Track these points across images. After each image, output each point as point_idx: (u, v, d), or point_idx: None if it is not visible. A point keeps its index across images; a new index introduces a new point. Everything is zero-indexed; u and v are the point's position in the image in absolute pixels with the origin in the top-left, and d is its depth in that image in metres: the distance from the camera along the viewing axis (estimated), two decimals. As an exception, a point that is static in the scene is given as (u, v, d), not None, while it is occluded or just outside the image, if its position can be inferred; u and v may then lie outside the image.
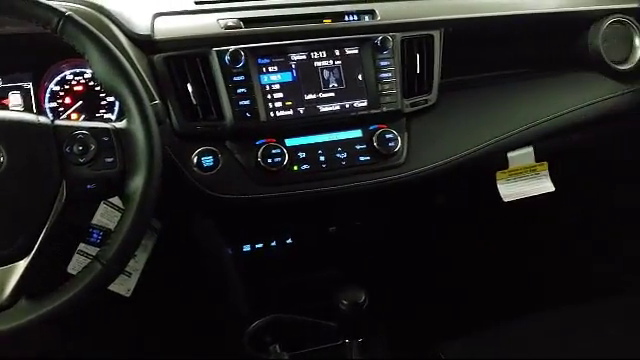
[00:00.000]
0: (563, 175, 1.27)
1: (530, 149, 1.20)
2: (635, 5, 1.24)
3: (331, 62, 1.04)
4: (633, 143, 1.35)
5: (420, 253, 1.55)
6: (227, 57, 0.96)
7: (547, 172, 1.25)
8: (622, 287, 1.14)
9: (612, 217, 1.55)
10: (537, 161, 1.22)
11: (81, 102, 1.06)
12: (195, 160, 0.96)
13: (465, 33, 1.15)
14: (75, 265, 1.05)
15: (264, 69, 1.00)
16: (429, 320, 1.37)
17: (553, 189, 1.24)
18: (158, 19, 1.00)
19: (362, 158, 1.04)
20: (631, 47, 1.23)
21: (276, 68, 1.01)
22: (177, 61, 0.97)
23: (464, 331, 1.06)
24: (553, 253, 1.56)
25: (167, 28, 0.99)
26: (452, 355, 1.01)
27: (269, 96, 1.00)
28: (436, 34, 1.10)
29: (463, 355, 1.01)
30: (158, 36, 0.97)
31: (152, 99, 0.86)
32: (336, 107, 1.04)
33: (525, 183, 1.24)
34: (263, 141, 0.99)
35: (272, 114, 1.00)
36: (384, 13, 1.09)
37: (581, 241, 1.56)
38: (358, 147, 1.05)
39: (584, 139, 1.25)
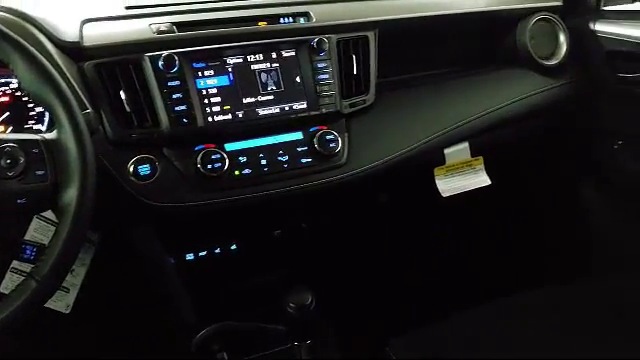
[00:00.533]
0: (499, 169, 1.31)
1: (465, 144, 1.23)
2: (559, 3, 1.30)
3: (268, 65, 1.04)
4: (560, 137, 1.41)
5: (366, 251, 1.57)
6: (161, 62, 0.95)
7: (483, 166, 1.29)
8: (560, 278, 1.19)
9: (546, 210, 1.61)
10: (473, 156, 1.25)
11: (8, 113, 1.01)
12: (131, 169, 0.94)
13: (399, 33, 1.17)
14: (8, 284, 0.99)
15: (200, 73, 0.99)
16: (378, 318, 1.38)
17: (489, 182, 1.28)
18: (87, 25, 0.97)
19: (304, 160, 1.04)
20: (556, 43, 1.28)
21: (212, 72, 1.00)
22: (109, 68, 0.94)
23: (412, 328, 1.08)
24: (493, 246, 1.61)
25: (97, 34, 0.96)
26: (401, 352, 1.02)
27: (206, 100, 0.99)
28: (371, 35, 1.11)
29: (411, 351, 1.02)
30: (87, 43, 0.94)
31: (83, 108, 0.84)
32: (275, 110, 1.03)
33: (462, 178, 1.27)
34: (202, 147, 0.98)
35: (210, 119, 0.99)
36: (319, 15, 1.09)
37: (518, 234, 1.61)
38: (299, 149, 1.05)
39: (517, 133, 1.29)
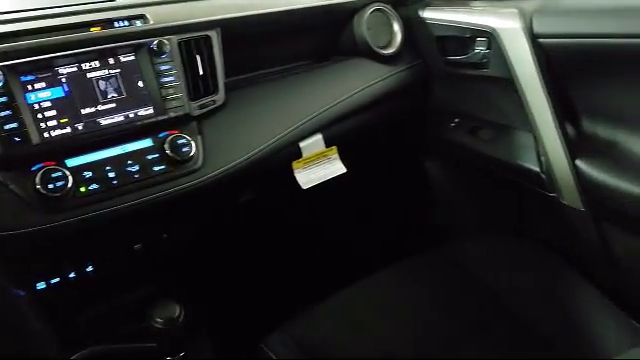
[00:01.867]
0: (353, 156, 1.36)
1: (319, 136, 1.26)
2: (390, -6, 1.37)
3: (106, 71, 0.98)
4: (404, 120, 1.49)
5: (233, 252, 1.56)
6: None
7: (337, 155, 1.33)
8: (418, 249, 1.26)
9: (398, 190, 1.71)
10: (327, 146, 1.29)
11: None
12: None
13: (242, 31, 1.16)
14: None
15: (29, 87, 0.91)
16: (251, 318, 1.38)
17: (345, 170, 1.33)
18: None
19: (156, 168, 1.01)
20: (392, 32, 1.35)
21: (44, 84, 0.92)
22: None
23: (284, 320, 1.09)
24: (356, 230, 1.68)
25: None
26: (276, 347, 1.03)
27: (40, 115, 0.91)
28: (213, 34, 1.10)
29: (286, 344, 1.03)
30: None
31: None
32: (119, 118, 0.99)
33: (319, 169, 1.30)
34: (40, 165, 0.91)
35: (46, 134, 0.92)
36: (156, 17, 1.05)
37: (377, 214, 1.69)
38: (150, 157, 1.01)
39: (364, 120, 1.34)
